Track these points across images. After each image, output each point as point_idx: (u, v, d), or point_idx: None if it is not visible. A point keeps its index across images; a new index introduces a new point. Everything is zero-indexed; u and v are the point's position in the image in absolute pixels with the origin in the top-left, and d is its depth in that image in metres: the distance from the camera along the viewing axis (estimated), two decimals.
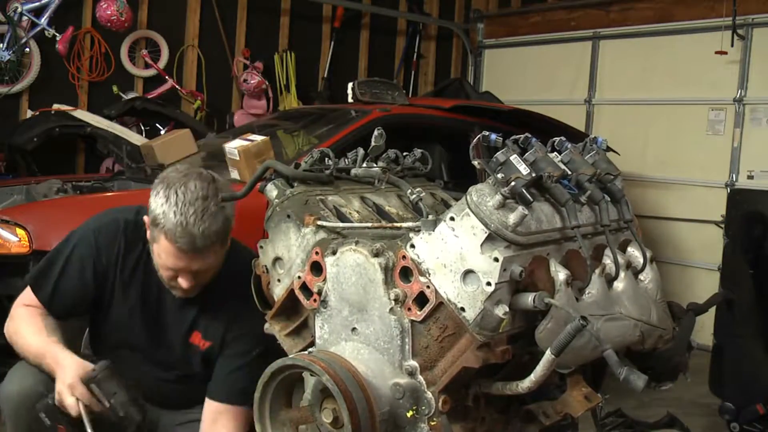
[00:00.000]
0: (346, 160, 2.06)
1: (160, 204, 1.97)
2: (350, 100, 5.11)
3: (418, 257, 1.59)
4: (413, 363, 1.61)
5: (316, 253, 1.72)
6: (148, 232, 2.08)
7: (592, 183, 1.74)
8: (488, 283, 1.50)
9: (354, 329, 1.67)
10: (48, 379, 2.05)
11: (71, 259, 2.17)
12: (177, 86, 6.43)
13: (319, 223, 1.76)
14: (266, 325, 1.89)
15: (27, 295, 2.22)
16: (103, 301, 2.19)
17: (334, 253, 1.69)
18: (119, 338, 2.22)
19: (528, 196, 1.54)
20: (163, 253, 2.01)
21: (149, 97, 6.20)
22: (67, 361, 2.02)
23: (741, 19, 5.76)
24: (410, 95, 7.39)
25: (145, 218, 2.08)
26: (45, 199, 4.10)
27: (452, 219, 1.56)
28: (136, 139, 5.37)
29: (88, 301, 2.19)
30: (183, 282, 2.05)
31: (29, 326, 2.14)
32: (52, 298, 2.17)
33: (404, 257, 1.60)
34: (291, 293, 1.78)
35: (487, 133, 1.69)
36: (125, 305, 2.19)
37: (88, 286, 2.17)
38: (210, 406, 2.14)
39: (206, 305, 2.18)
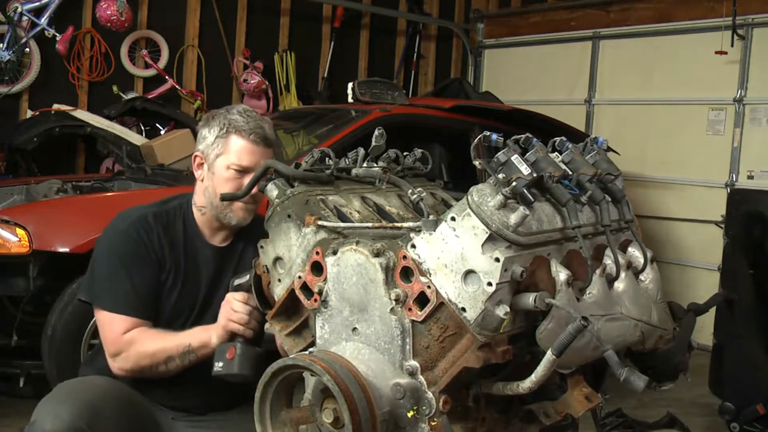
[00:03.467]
0: (347, 160, 2.06)
1: (221, 119, 2.20)
2: (350, 100, 5.11)
3: (419, 257, 1.59)
4: (414, 363, 1.61)
5: (317, 252, 1.72)
6: (203, 163, 2.23)
7: (593, 183, 1.74)
8: (489, 284, 1.50)
9: (355, 329, 1.67)
10: (86, 409, 1.97)
11: (126, 261, 2.16)
12: (177, 86, 6.43)
13: (319, 222, 1.76)
14: (267, 325, 1.89)
15: (117, 325, 2.14)
16: (163, 290, 2.21)
17: (334, 253, 1.69)
18: (180, 321, 2.23)
19: (529, 196, 1.54)
20: (234, 155, 2.17)
21: (149, 97, 6.20)
22: (212, 326, 2.09)
23: (741, 19, 5.77)
24: (410, 95, 7.40)
25: (197, 154, 2.24)
26: (45, 199, 4.10)
27: (453, 219, 1.56)
28: (136, 139, 5.38)
29: (160, 290, 2.21)
30: None
31: (150, 340, 2.12)
32: (140, 305, 2.15)
33: (405, 257, 1.60)
34: (291, 293, 1.78)
35: (488, 133, 1.69)
36: (178, 286, 2.22)
37: (155, 275, 2.18)
38: None
39: (242, 254, 2.28)
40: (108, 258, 2.19)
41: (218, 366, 2.00)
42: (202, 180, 2.25)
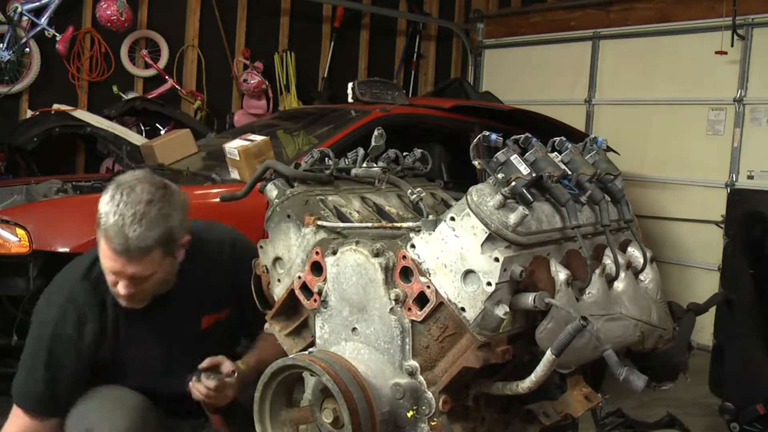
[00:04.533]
0: (346, 160, 2.06)
1: (105, 203, 1.96)
2: (350, 100, 5.11)
3: (419, 257, 1.59)
4: (413, 363, 1.61)
5: (317, 253, 1.72)
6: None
7: (593, 183, 1.74)
8: (489, 283, 1.50)
9: (354, 329, 1.67)
10: (136, 415, 2.03)
11: (52, 350, 2.07)
12: (177, 86, 6.43)
13: (319, 223, 1.76)
14: (266, 325, 1.89)
15: (17, 421, 2.09)
16: (107, 361, 2.13)
17: (334, 253, 1.69)
18: (142, 375, 2.17)
19: (528, 196, 1.54)
20: (102, 255, 1.99)
21: (149, 97, 6.20)
22: None
23: (741, 19, 5.76)
24: (410, 95, 7.40)
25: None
26: (45, 199, 4.10)
27: (453, 219, 1.56)
28: (136, 139, 5.38)
29: (89, 373, 2.13)
30: (121, 288, 2.00)
31: None
32: (57, 400, 2.09)
33: (404, 257, 1.60)
34: (291, 293, 1.78)
35: (487, 133, 1.69)
36: (135, 344, 2.14)
37: (83, 368, 2.10)
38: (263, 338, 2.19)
39: (199, 286, 2.16)
40: (34, 342, 2.10)
41: None
42: None
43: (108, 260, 1.97)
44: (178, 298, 2.14)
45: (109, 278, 2.02)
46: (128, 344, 2.13)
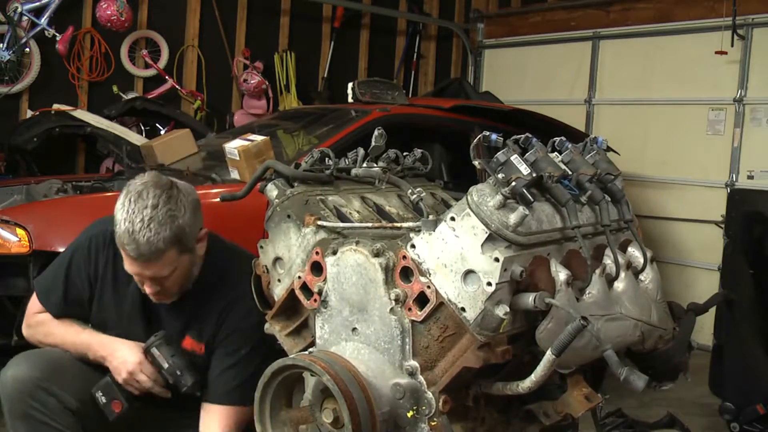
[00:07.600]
0: (347, 160, 2.06)
1: (117, 211, 2.06)
2: (350, 100, 5.11)
3: (419, 257, 1.59)
4: (414, 363, 1.61)
5: (317, 253, 1.72)
6: None
7: (593, 183, 1.74)
8: (489, 283, 1.50)
9: (354, 329, 1.67)
10: (46, 364, 2.16)
11: (71, 269, 2.28)
12: (177, 86, 6.43)
13: (319, 223, 1.77)
14: (266, 325, 1.89)
15: (35, 307, 2.33)
16: (101, 306, 2.26)
17: (334, 253, 1.69)
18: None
19: (529, 196, 1.54)
20: (123, 260, 2.10)
21: (149, 97, 6.20)
22: (120, 344, 2.17)
23: (741, 19, 5.76)
24: (410, 95, 7.40)
25: None
26: (45, 199, 4.10)
27: (453, 219, 1.56)
28: (136, 139, 5.38)
29: (88, 305, 2.29)
30: (147, 288, 2.11)
31: (58, 326, 2.27)
32: (63, 310, 2.29)
33: (405, 257, 1.60)
34: (291, 293, 1.78)
35: (487, 133, 1.69)
36: (122, 311, 2.23)
37: (85, 292, 2.27)
38: (205, 409, 2.16)
39: (195, 308, 2.19)
40: (62, 256, 2.33)
41: (101, 399, 2.14)
42: None
43: (127, 265, 2.08)
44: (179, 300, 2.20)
45: (135, 278, 2.13)
46: (122, 305, 2.25)
